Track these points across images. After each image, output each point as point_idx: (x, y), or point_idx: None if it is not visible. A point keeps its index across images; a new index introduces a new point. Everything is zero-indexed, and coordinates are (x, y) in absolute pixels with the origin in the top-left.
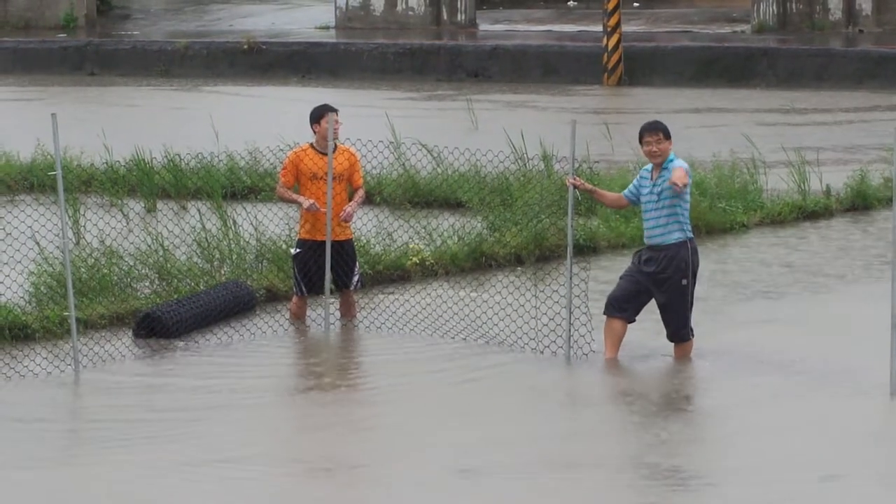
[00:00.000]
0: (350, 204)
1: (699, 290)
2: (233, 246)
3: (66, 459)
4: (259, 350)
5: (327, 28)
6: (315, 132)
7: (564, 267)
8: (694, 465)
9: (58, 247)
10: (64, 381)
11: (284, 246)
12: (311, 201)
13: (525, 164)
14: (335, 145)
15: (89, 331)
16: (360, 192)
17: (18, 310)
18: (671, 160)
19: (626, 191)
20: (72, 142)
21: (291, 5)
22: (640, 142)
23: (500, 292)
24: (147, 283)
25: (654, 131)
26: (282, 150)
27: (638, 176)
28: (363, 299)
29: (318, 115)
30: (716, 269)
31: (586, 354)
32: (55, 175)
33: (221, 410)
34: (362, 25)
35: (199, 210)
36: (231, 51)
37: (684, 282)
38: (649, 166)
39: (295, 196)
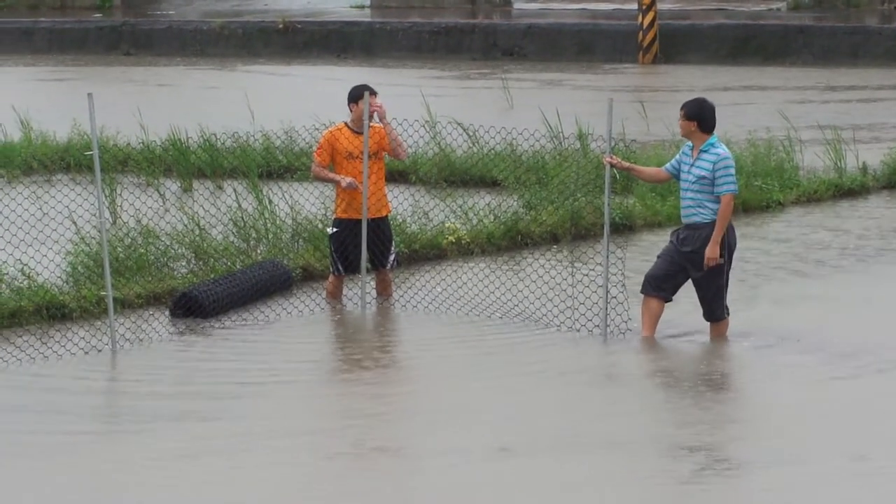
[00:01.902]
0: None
1: (735, 269)
2: (269, 225)
3: (103, 439)
4: (296, 329)
5: (362, 7)
6: (351, 111)
7: (601, 245)
8: (728, 444)
9: (94, 226)
10: (101, 361)
11: (321, 226)
12: (351, 179)
13: (561, 143)
14: (369, 125)
15: (126, 310)
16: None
17: (56, 289)
18: (712, 144)
19: (668, 164)
20: (108, 121)
21: None
22: None
23: (536, 271)
24: (183, 263)
25: (681, 108)
26: (317, 129)
27: (680, 151)
28: (399, 278)
29: (357, 95)
30: (752, 247)
31: (623, 333)
32: (92, 155)
33: (258, 390)
34: (397, 4)
35: (234, 189)
36: (266, 30)
37: (721, 261)
38: (692, 143)
39: (332, 175)
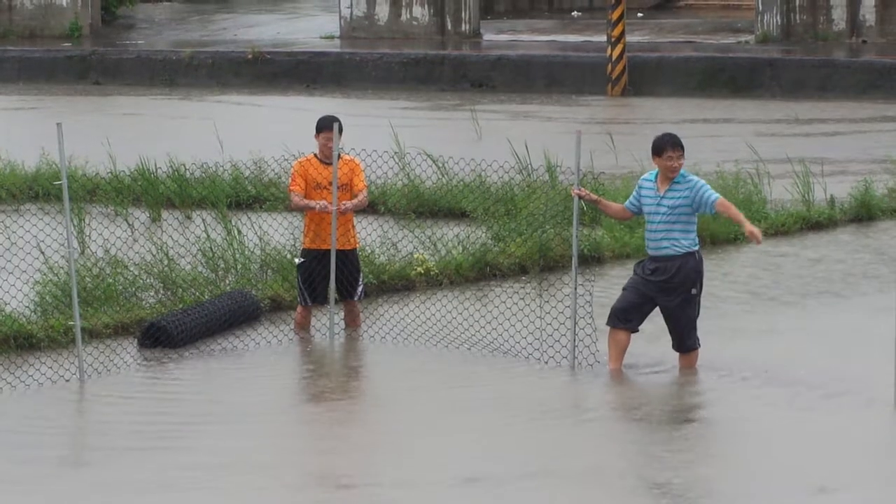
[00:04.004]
0: (348, 201)
1: (703, 300)
2: (237, 255)
3: (70, 470)
4: (264, 360)
5: (332, 38)
6: (317, 141)
7: (569, 277)
8: (694, 476)
9: (63, 256)
10: (68, 391)
11: (289, 256)
12: (323, 202)
13: (529, 175)
14: (339, 155)
15: (94, 340)
16: (360, 196)
17: (23, 319)
18: (683, 174)
19: (627, 202)
20: (76, 151)
21: (296, 15)
22: (660, 154)
23: (504, 302)
24: (152, 293)
25: (677, 147)
26: (286, 159)
27: (637, 186)
28: (368, 309)
29: (318, 128)
30: (720, 280)
31: (591, 365)
32: (60, 184)
33: (225, 421)
34: (367, 35)
35: (203, 220)
36: (236, 60)
37: (693, 291)
38: (649, 175)
39: (308, 201)
